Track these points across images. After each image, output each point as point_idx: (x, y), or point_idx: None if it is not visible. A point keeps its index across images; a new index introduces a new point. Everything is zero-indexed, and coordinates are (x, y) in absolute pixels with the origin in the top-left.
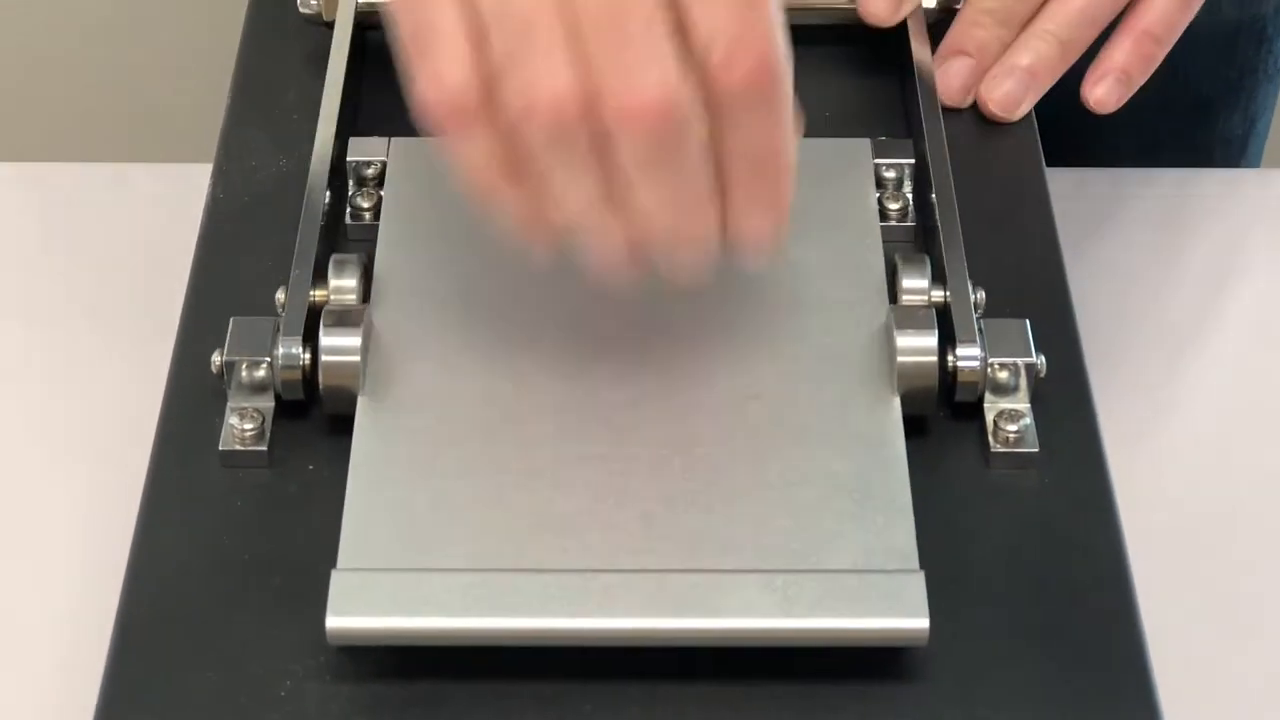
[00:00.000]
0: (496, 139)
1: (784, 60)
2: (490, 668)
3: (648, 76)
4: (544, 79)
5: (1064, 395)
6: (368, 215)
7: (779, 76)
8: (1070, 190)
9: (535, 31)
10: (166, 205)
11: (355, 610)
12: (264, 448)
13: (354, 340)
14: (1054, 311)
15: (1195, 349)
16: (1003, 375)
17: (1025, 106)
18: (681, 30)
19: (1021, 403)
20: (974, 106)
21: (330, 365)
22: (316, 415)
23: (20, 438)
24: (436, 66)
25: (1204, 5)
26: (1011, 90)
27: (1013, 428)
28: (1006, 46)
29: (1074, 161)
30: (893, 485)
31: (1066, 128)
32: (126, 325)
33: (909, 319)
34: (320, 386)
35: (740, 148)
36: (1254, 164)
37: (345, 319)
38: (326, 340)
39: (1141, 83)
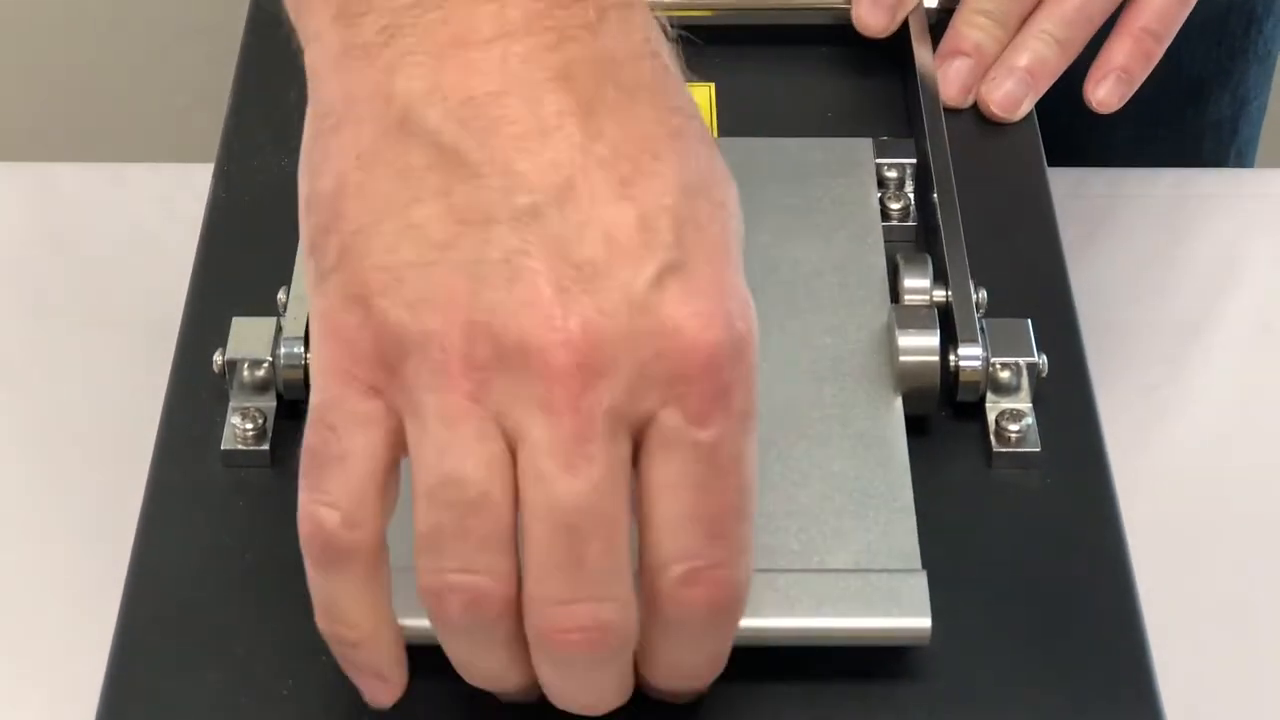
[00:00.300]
0: (377, 585)
1: (741, 601)
2: None
3: (592, 610)
4: (466, 570)
5: (1065, 395)
6: None
7: (731, 615)
8: (1070, 190)
9: (472, 516)
10: (166, 205)
11: None
12: (266, 447)
13: None
14: (1055, 311)
15: (1195, 349)
16: (1004, 375)
17: (1026, 106)
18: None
19: (1023, 402)
20: (975, 106)
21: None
22: None
23: (21, 437)
24: (314, 499)
25: None
26: (1012, 90)
27: (1014, 427)
28: (1004, 46)
29: (1068, 149)
30: (894, 485)
31: (1060, 117)
32: (127, 325)
33: (911, 319)
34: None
35: (669, 660)
36: (1245, 147)
37: None
38: None
39: (1143, 79)
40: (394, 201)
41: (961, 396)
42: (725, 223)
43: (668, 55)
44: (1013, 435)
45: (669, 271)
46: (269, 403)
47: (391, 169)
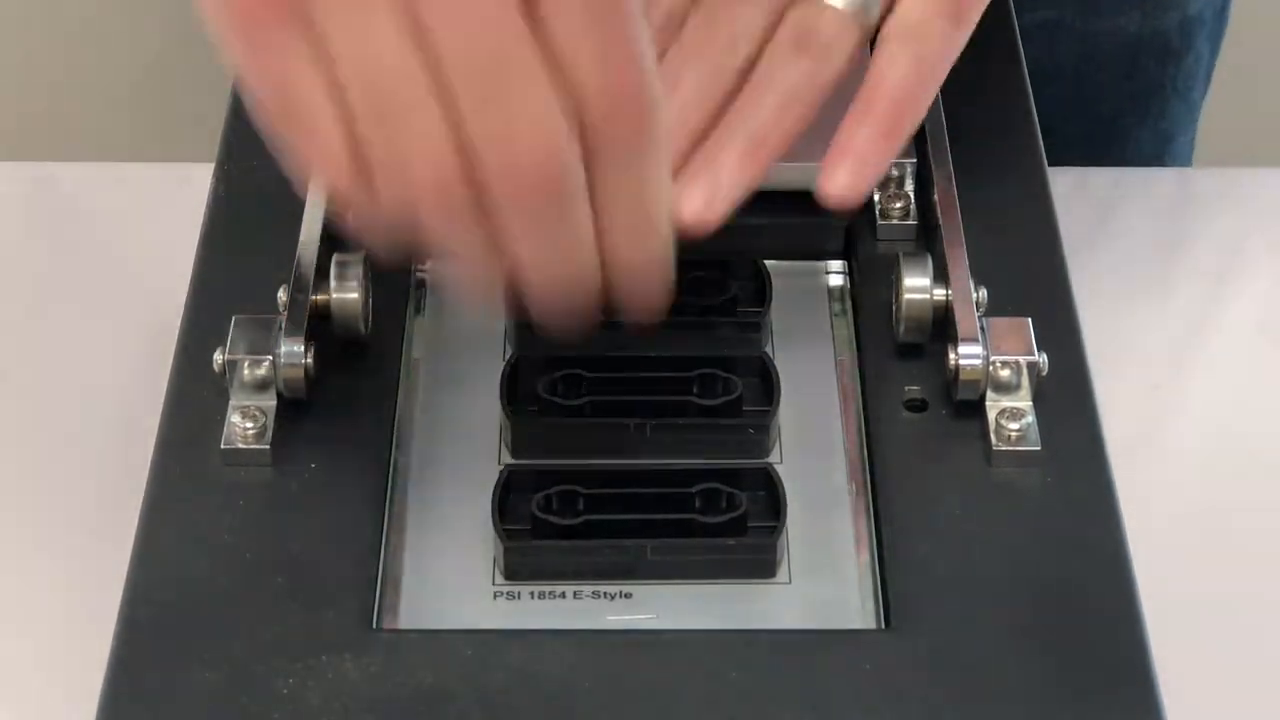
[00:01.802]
0: (377, 201)
1: (659, 103)
2: (490, 666)
3: (533, 134)
4: (418, 146)
5: (1066, 394)
6: None
7: (654, 128)
8: (1070, 190)
9: (400, 95)
10: (166, 205)
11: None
12: (266, 446)
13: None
14: (1056, 310)
15: (1195, 348)
16: (1005, 373)
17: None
18: (554, 67)
19: (1023, 401)
20: (977, 105)
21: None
22: (319, 414)
23: (21, 437)
24: (310, 148)
25: (1103, 20)
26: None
27: (1014, 426)
28: None
29: None
30: None
31: None
32: (127, 325)
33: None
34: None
35: (617, 191)
36: None
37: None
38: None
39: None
40: None
41: (961, 395)
42: None
43: None
44: (1013, 434)
45: None
46: (269, 401)
47: None
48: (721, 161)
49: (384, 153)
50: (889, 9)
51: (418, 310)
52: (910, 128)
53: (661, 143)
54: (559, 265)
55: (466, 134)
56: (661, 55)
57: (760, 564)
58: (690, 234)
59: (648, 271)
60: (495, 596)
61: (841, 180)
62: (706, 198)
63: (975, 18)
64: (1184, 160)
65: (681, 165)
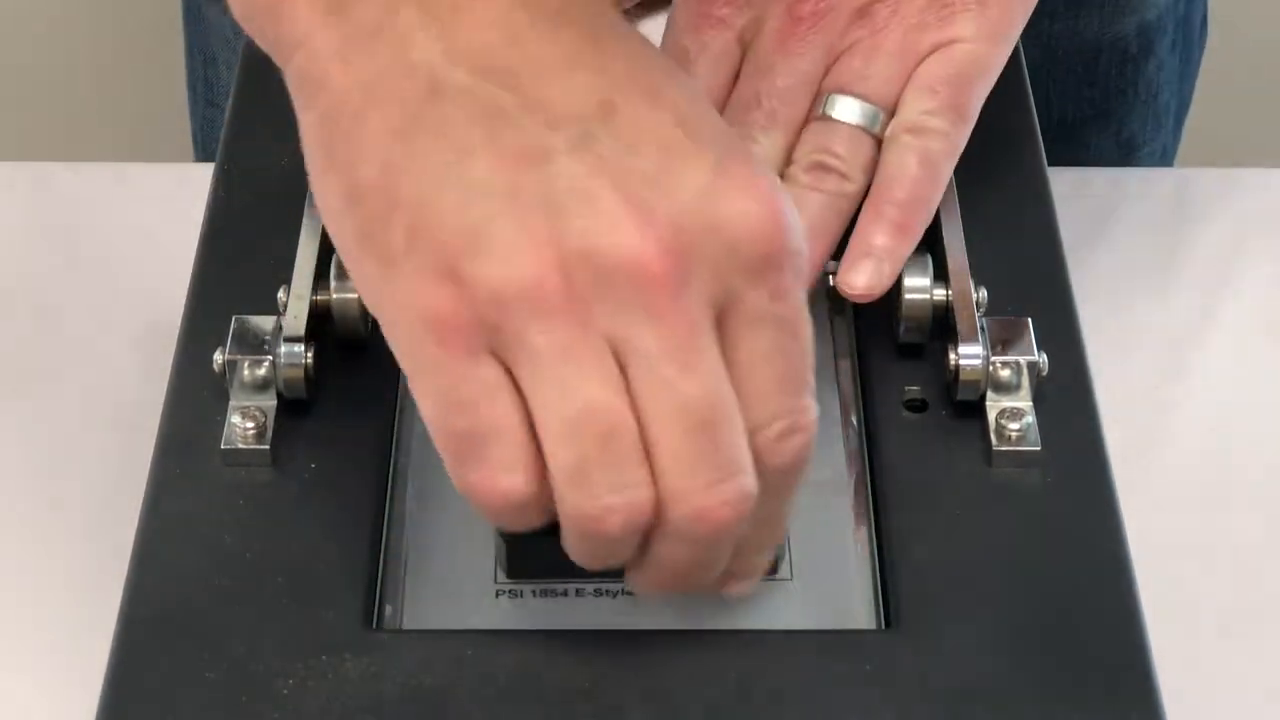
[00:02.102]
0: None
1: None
2: (490, 666)
3: (736, 488)
4: (619, 491)
5: (1066, 394)
6: None
7: (809, 459)
8: (1070, 190)
9: (613, 440)
10: (166, 205)
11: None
12: (266, 446)
13: None
14: (1056, 310)
15: (1196, 348)
16: (1005, 374)
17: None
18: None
19: (1023, 401)
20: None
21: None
22: (319, 414)
23: (21, 437)
24: (495, 474)
25: (1062, 25)
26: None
27: (1015, 426)
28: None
29: None
30: None
31: None
32: (127, 325)
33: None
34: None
35: (763, 514)
36: None
37: None
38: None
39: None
40: (447, 165)
41: (962, 395)
42: (714, 110)
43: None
44: (1013, 434)
45: (719, 162)
46: (269, 402)
47: (434, 135)
48: None
49: (577, 498)
50: (892, 109)
51: None
52: (924, 223)
53: (808, 465)
54: (698, 575)
55: (666, 485)
56: None
57: None
58: None
59: (753, 569)
60: (498, 595)
61: (862, 281)
62: None
63: (976, 112)
64: (1151, 164)
65: None
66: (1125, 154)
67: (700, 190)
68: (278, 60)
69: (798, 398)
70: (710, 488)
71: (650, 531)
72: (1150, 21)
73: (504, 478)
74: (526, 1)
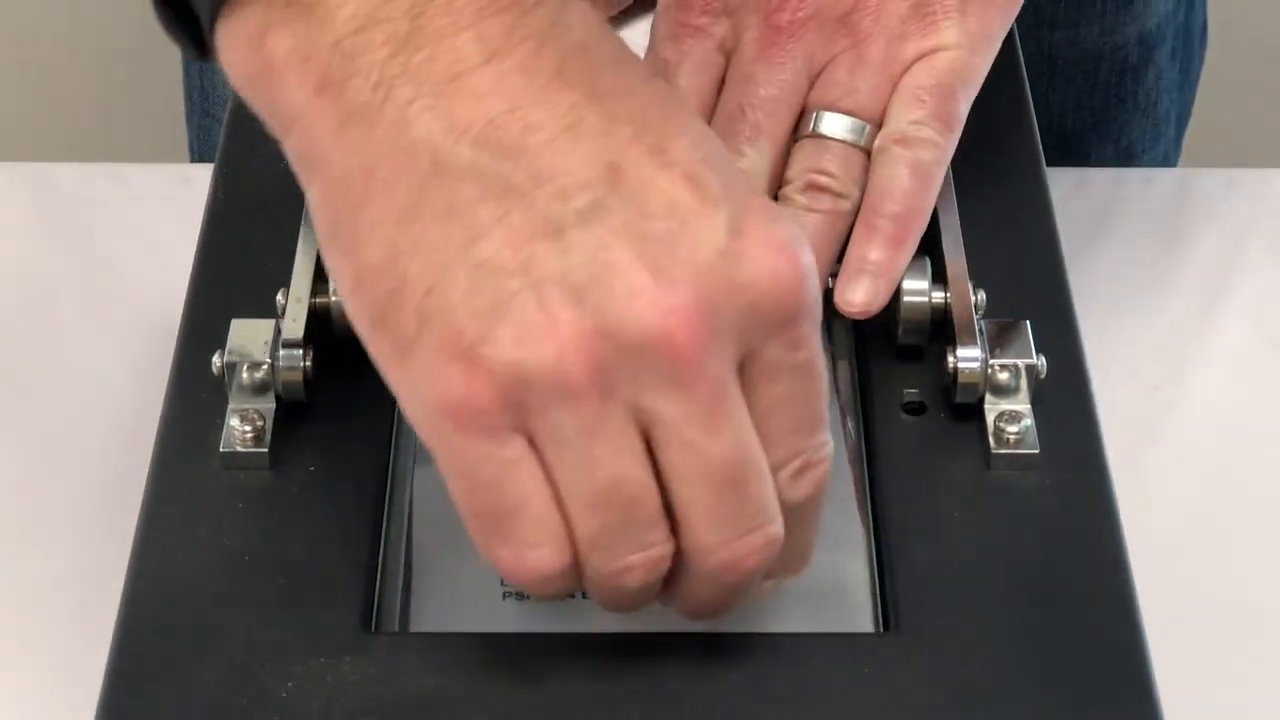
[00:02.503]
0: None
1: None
2: (489, 669)
3: (764, 540)
4: (640, 550)
5: (1064, 396)
6: None
7: (825, 489)
8: (1070, 190)
9: (636, 508)
10: (166, 205)
11: None
12: (265, 449)
13: None
14: (1054, 312)
15: (1195, 349)
16: (1003, 376)
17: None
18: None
19: (1022, 404)
20: (976, 107)
21: None
22: (318, 417)
23: (21, 437)
24: (522, 551)
25: (1062, 34)
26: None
27: (1013, 429)
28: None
29: None
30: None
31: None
32: (126, 325)
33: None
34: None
35: (790, 541)
36: None
37: None
38: None
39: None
40: (455, 246)
41: (960, 398)
42: (728, 155)
43: (609, 29)
44: (1011, 437)
45: (733, 218)
46: (268, 405)
47: (440, 216)
48: None
49: (598, 560)
50: (879, 121)
51: None
52: (918, 234)
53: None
54: (724, 609)
55: (692, 541)
56: None
57: None
58: None
59: (795, 570)
60: (505, 597)
61: (860, 298)
62: None
63: (963, 119)
64: None
65: None
66: (1125, 163)
67: (718, 251)
68: (276, 133)
69: (814, 436)
70: (739, 539)
71: (676, 573)
72: (1150, 30)
73: (531, 554)
74: (524, 66)
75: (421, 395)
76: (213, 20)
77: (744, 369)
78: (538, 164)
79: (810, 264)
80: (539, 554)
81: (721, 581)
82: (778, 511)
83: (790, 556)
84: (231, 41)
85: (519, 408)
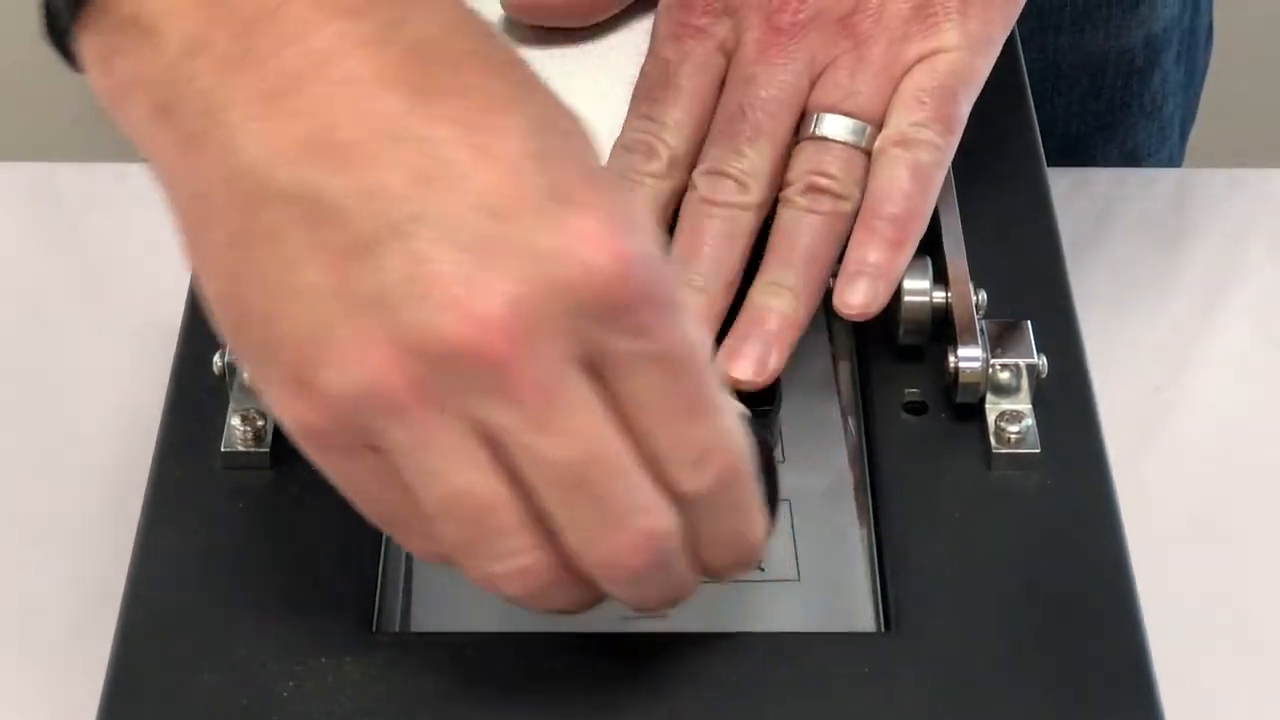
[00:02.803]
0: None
1: (745, 457)
2: (490, 669)
3: (635, 531)
4: (503, 560)
5: (1065, 396)
6: None
7: (743, 473)
8: (1071, 190)
9: (488, 518)
10: (166, 205)
11: None
12: (265, 449)
13: None
14: (1055, 312)
15: (1195, 349)
16: (1004, 376)
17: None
18: (646, 457)
19: (1023, 404)
20: (976, 107)
21: None
22: None
23: (21, 437)
24: (426, 548)
25: (1067, 38)
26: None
27: (1014, 429)
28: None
29: None
30: None
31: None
32: (127, 325)
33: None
34: None
35: (715, 534)
36: None
37: None
38: None
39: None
40: (279, 272)
41: (961, 398)
42: (578, 144)
43: (479, 20)
44: (1012, 436)
45: (553, 211)
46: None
47: (264, 243)
48: (768, 321)
49: (468, 568)
50: (880, 122)
51: None
52: (917, 236)
53: (752, 478)
54: (660, 598)
55: (563, 542)
56: (674, 202)
57: None
58: (743, 389)
59: (742, 569)
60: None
61: (858, 300)
62: (756, 364)
63: (963, 121)
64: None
65: (721, 320)
66: (1130, 166)
67: (535, 253)
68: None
69: (699, 424)
70: (607, 538)
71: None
72: (1157, 34)
73: (430, 553)
74: (349, 77)
75: (281, 416)
76: (72, 38)
77: (600, 369)
78: (354, 179)
79: (640, 249)
80: (436, 554)
81: (613, 580)
82: (656, 505)
83: (728, 551)
84: (89, 61)
85: (360, 429)
